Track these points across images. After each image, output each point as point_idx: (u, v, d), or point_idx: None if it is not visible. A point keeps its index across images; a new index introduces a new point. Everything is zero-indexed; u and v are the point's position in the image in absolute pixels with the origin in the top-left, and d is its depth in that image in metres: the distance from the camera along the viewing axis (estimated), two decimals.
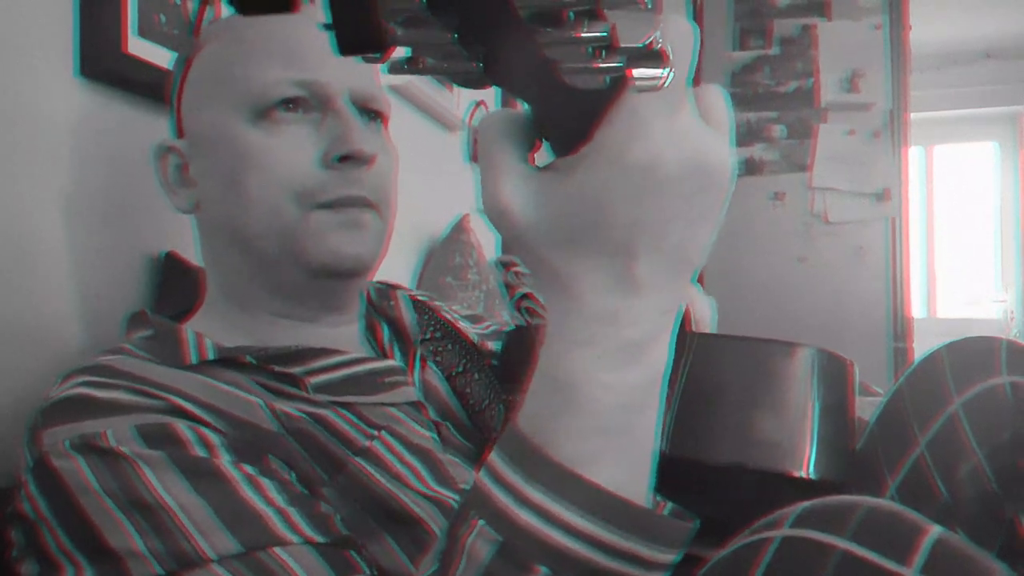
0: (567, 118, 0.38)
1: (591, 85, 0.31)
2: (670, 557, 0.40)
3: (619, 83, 0.31)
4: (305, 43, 0.68)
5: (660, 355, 0.40)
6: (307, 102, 0.67)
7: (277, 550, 0.50)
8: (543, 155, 0.41)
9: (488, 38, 0.31)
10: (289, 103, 0.66)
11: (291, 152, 0.66)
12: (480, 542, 0.40)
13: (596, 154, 0.37)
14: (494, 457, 0.41)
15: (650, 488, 0.42)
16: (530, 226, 0.39)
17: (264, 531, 0.50)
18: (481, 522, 0.40)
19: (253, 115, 0.66)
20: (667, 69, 0.31)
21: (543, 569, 0.38)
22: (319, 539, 0.51)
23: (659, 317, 0.40)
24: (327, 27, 0.27)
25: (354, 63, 0.70)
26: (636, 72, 0.31)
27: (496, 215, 0.40)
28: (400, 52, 0.32)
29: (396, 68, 0.33)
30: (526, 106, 0.40)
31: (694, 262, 0.40)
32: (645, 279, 0.39)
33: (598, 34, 0.28)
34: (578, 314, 0.39)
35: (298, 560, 0.50)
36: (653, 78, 0.31)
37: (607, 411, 0.39)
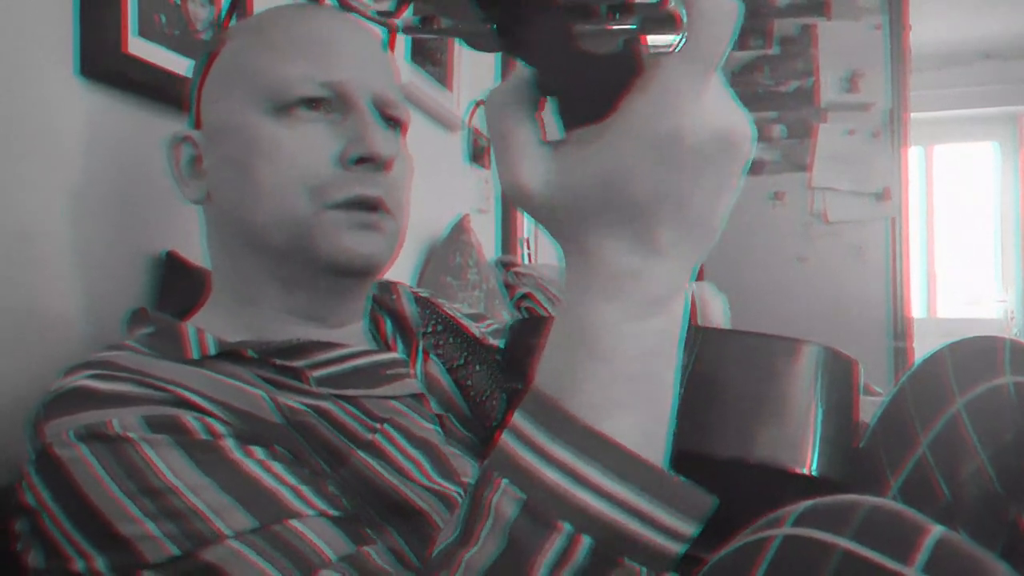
0: (581, 86, 0.38)
1: (605, 49, 0.30)
2: (688, 530, 0.41)
3: (633, 51, 0.31)
4: (333, 44, 0.68)
5: (680, 306, 0.41)
6: (329, 103, 0.67)
7: (293, 522, 0.50)
8: (551, 119, 0.41)
9: None
10: (312, 102, 0.66)
11: (308, 147, 0.66)
12: (505, 500, 0.40)
13: (620, 126, 0.37)
14: (517, 417, 0.42)
15: (668, 446, 0.42)
16: (551, 202, 0.40)
17: (278, 505, 0.50)
18: (505, 481, 0.40)
19: (273, 108, 0.66)
20: (680, 36, 0.31)
21: (567, 526, 0.39)
22: (333, 512, 0.52)
23: (681, 274, 0.41)
24: None
25: (379, 66, 0.71)
26: (649, 39, 0.30)
27: (515, 194, 0.41)
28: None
29: (410, 28, 0.33)
30: (527, 68, 0.39)
31: (715, 226, 0.41)
32: (668, 243, 0.39)
33: None
34: (601, 274, 0.40)
35: (315, 530, 0.50)
36: (665, 45, 0.31)
37: (631, 358, 0.40)
